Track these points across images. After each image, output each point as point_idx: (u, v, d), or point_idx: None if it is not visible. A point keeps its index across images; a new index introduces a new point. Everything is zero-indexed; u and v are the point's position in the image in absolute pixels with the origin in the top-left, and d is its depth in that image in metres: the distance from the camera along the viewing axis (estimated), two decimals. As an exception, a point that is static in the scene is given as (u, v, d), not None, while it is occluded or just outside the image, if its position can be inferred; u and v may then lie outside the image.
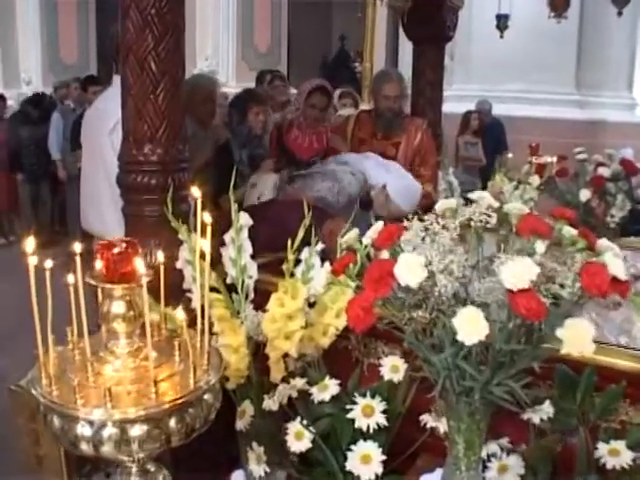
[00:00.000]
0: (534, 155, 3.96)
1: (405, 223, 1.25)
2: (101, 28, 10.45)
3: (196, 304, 1.75)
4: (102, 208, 2.68)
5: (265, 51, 10.84)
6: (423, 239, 1.18)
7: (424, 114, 3.54)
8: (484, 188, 7.10)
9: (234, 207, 1.85)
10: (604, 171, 3.04)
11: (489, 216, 1.20)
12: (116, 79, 2.58)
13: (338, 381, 1.69)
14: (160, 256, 1.31)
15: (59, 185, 7.63)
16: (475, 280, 1.13)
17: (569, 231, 1.18)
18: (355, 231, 1.37)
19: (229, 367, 1.66)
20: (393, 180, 3.19)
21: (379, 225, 1.32)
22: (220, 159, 3.55)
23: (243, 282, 1.85)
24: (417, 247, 1.18)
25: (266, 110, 3.83)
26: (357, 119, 3.66)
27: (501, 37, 7.47)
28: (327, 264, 1.75)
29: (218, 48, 10.21)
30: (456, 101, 7.66)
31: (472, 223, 1.21)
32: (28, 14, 10.21)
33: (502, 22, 7.57)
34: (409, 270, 1.10)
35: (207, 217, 1.34)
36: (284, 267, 1.83)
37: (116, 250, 1.21)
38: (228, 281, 1.87)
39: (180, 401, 1.17)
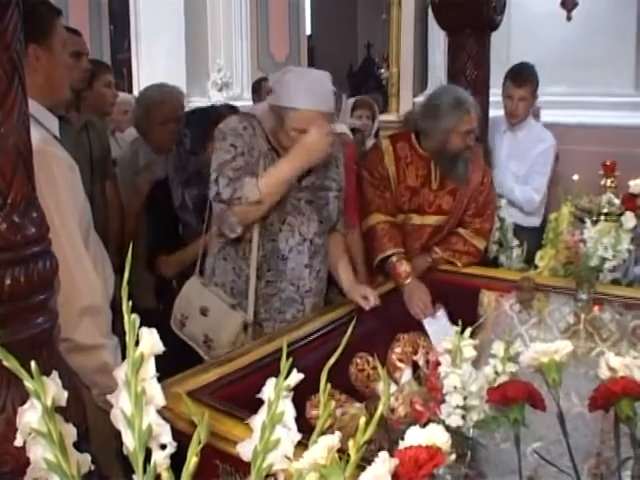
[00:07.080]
0: (609, 176, 3.04)
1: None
2: None
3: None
4: None
5: (284, 59, 10.02)
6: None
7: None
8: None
9: (129, 315, 1.00)
10: None
11: None
12: None
13: None
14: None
15: None
16: None
17: None
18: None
19: None
20: None
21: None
22: (154, 202, 2.60)
23: (147, 461, 1.00)
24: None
25: None
26: (396, 153, 2.53)
27: (568, 19, 6.07)
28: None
29: (231, 57, 9.43)
30: (492, 108, 6.65)
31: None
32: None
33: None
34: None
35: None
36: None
37: None
38: (125, 452, 1.02)
39: None
